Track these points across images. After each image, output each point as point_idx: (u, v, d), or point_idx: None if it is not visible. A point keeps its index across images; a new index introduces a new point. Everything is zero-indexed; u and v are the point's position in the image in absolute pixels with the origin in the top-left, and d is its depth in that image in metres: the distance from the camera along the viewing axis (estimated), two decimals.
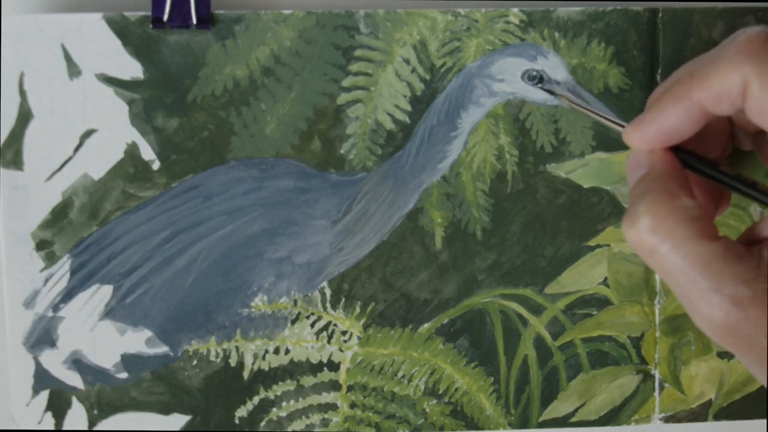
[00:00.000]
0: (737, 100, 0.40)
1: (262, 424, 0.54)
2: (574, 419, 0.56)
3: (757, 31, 0.40)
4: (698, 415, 0.57)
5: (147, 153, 0.53)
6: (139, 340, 0.53)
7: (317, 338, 0.54)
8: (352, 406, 0.55)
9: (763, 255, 0.40)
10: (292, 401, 0.54)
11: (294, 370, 0.54)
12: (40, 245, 0.53)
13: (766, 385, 0.41)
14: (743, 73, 0.39)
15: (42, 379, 0.53)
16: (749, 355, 0.39)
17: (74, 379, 0.53)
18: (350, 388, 0.55)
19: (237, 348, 0.54)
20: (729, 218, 0.55)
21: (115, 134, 0.52)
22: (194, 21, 0.52)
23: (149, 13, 0.52)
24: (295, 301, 0.54)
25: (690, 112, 0.42)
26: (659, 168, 0.42)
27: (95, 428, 0.54)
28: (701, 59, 0.42)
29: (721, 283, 0.38)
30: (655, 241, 0.40)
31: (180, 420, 0.54)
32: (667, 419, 0.56)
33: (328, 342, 0.54)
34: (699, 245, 0.39)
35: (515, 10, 0.53)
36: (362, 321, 0.54)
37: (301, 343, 0.54)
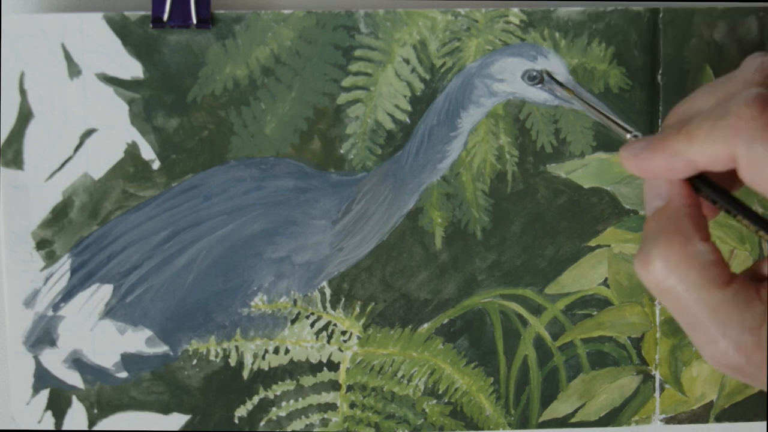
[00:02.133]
0: (729, 163, 0.41)
1: (262, 423, 0.54)
2: (574, 420, 0.56)
3: (747, 101, 0.40)
4: (699, 416, 0.56)
5: (147, 152, 0.53)
6: (139, 340, 0.53)
7: (317, 338, 0.54)
8: (352, 406, 0.55)
9: None
10: (291, 401, 0.54)
11: (294, 369, 0.54)
12: (41, 244, 0.53)
13: None
14: (731, 146, 0.40)
15: (42, 378, 0.53)
16: (756, 385, 0.42)
17: (74, 379, 0.54)
18: (350, 388, 0.55)
19: (237, 348, 0.54)
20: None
21: (116, 134, 0.52)
22: (194, 21, 0.52)
23: (149, 12, 0.52)
24: (295, 301, 0.54)
25: (683, 165, 0.42)
26: (676, 204, 0.43)
27: (95, 428, 0.54)
28: (696, 124, 0.42)
29: (727, 329, 0.40)
30: (669, 284, 0.41)
31: (180, 419, 0.54)
32: (668, 420, 0.56)
33: (328, 342, 0.54)
34: (709, 292, 0.40)
35: (515, 10, 0.53)
36: (362, 321, 0.54)
37: (301, 342, 0.54)
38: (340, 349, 0.54)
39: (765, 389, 0.41)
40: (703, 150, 0.41)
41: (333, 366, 0.55)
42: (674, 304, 0.41)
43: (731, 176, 0.44)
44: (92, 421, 0.54)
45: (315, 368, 0.54)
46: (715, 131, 0.41)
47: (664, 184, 0.43)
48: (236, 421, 0.54)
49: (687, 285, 0.41)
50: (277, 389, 0.54)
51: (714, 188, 0.44)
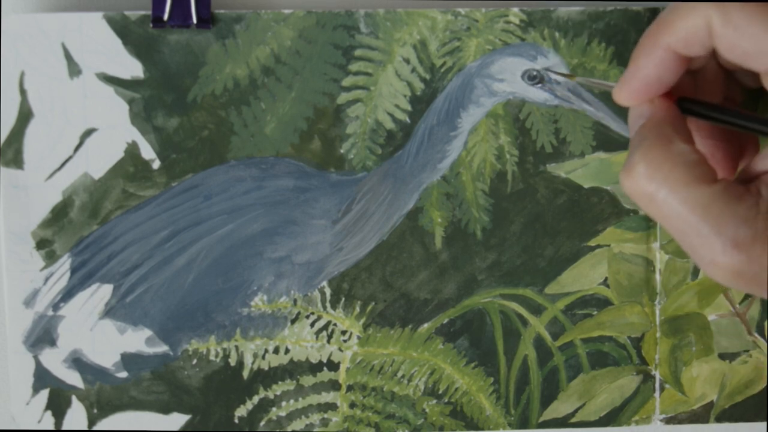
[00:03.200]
0: (705, 40, 0.41)
1: (262, 423, 0.54)
2: (574, 420, 0.56)
3: None
4: (699, 416, 0.56)
5: (147, 152, 0.53)
6: (139, 340, 0.53)
7: (317, 338, 0.54)
8: (352, 405, 0.55)
9: (761, 192, 0.40)
10: (291, 401, 0.54)
11: (294, 369, 0.54)
12: (41, 244, 0.53)
13: None
14: (704, 14, 0.40)
15: (42, 378, 0.53)
16: (760, 293, 0.39)
17: (74, 378, 0.53)
18: (350, 388, 0.55)
19: (237, 347, 0.54)
20: None
21: (116, 133, 0.53)
22: (194, 20, 0.52)
23: (150, 12, 0.52)
24: (295, 301, 0.54)
25: (664, 59, 0.42)
26: (657, 116, 0.42)
27: (95, 427, 0.54)
28: (666, 8, 0.42)
29: (720, 226, 0.38)
30: (653, 187, 0.40)
31: (180, 419, 0.54)
32: (668, 420, 0.56)
33: (328, 342, 0.54)
34: (696, 189, 0.39)
35: (515, 9, 0.53)
36: (362, 321, 0.54)
37: (301, 342, 0.54)
38: (340, 349, 0.54)
39: None
40: (677, 29, 0.41)
41: (333, 366, 0.55)
42: (662, 210, 0.40)
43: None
44: (92, 421, 0.54)
45: (315, 368, 0.54)
46: (683, 6, 0.40)
47: (646, 106, 0.43)
48: (236, 421, 0.54)
49: (673, 184, 0.39)
50: (277, 389, 0.54)
51: (701, 103, 0.43)
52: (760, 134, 0.42)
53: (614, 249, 0.55)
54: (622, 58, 0.54)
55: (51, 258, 0.53)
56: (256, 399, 0.54)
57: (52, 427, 0.54)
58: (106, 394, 0.54)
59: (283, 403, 0.54)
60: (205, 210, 0.53)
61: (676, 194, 0.39)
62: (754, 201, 0.39)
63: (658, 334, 0.56)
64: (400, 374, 0.55)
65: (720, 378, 0.56)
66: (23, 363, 0.53)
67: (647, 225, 0.55)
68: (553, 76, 0.53)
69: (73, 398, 0.54)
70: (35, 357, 0.53)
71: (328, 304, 0.54)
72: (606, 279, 0.55)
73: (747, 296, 0.56)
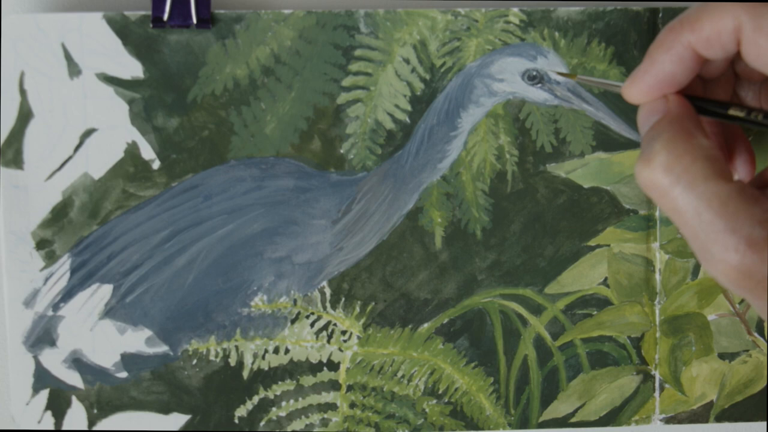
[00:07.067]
0: (729, 43, 0.40)
1: (262, 423, 0.54)
2: (574, 419, 0.56)
3: None
4: (699, 416, 0.56)
5: (147, 152, 0.53)
6: (139, 340, 0.53)
7: (317, 338, 0.54)
8: (352, 405, 0.55)
9: None
10: (291, 401, 0.54)
11: (294, 369, 0.54)
12: (41, 244, 0.53)
13: None
14: (735, 17, 0.40)
15: (42, 378, 0.53)
16: (763, 299, 0.39)
17: (74, 379, 0.53)
18: (350, 388, 0.55)
19: (237, 347, 0.54)
20: None
21: (116, 133, 0.53)
22: (194, 20, 0.52)
23: (149, 12, 0.52)
24: (295, 301, 0.54)
25: (682, 57, 0.42)
26: (675, 112, 0.42)
27: (95, 428, 0.54)
28: (693, 7, 0.42)
29: (737, 224, 0.38)
30: (670, 179, 0.39)
31: (180, 419, 0.54)
32: (668, 420, 0.56)
33: (328, 342, 0.54)
34: (716, 184, 0.38)
35: (515, 9, 0.53)
36: (362, 321, 0.54)
37: (301, 342, 0.54)
38: (340, 349, 0.54)
39: None
40: (702, 27, 0.40)
41: (333, 366, 0.55)
42: (676, 203, 0.39)
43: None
44: (92, 421, 0.54)
45: (315, 368, 0.54)
46: (714, 6, 0.40)
47: (660, 101, 0.42)
48: (236, 421, 0.54)
49: (692, 177, 0.39)
50: (277, 389, 0.54)
51: (713, 101, 0.43)
52: None
53: (614, 249, 0.55)
54: (622, 58, 0.54)
55: (51, 258, 0.53)
56: (256, 399, 0.54)
57: (52, 427, 0.54)
58: (106, 394, 0.54)
59: (283, 403, 0.54)
60: (205, 210, 0.53)
61: (693, 188, 0.39)
62: None
63: (657, 334, 0.56)
64: (400, 374, 0.55)
65: (720, 378, 0.56)
66: (23, 363, 0.53)
67: (647, 225, 0.55)
68: (553, 76, 0.53)
69: (73, 398, 0.54)
70: (35, 357, 0.53)
71: (328, 304, 0.54)
72: (606, 279, 0.55)
73: None
